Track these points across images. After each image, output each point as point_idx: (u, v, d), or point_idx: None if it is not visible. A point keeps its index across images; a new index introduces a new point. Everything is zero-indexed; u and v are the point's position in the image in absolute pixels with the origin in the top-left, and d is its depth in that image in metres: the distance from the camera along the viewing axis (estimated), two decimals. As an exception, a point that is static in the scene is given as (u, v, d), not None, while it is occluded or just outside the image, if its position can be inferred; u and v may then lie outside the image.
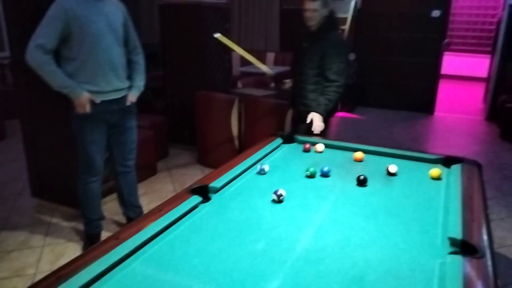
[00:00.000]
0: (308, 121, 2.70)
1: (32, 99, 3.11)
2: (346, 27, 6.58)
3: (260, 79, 6.01)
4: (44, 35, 2.25)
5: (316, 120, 2.69)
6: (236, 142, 4.14)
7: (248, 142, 3.82)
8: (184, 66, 4.59)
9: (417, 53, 6.71)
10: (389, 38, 6.88)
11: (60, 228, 2.97)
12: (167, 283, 1.12)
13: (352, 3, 6.72)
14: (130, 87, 2.64)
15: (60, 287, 1.06)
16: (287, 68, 7.14)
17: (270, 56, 7.54)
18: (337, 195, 1.73)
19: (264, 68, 3.07)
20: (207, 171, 3.91)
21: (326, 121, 2.83)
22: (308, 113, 2.77)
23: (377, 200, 1.68)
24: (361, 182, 1.80)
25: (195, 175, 3.95)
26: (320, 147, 2.25)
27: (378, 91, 7.12)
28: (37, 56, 2.24)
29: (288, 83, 3.07)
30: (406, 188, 1.80)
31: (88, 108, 2.38)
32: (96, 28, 2.33)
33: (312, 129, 2.69)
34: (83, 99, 2.35)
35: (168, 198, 1.65)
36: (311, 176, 1.88)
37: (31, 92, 3.10)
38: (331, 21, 2.85)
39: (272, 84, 5.54)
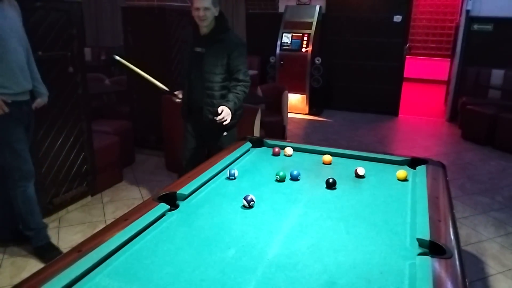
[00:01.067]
0: (219, 112, 2.45)
1: None
2: (312, 31, 6.67)
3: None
4: None
5: (225, 112, 2.48)
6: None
7: (217, 147, 3.78)
8: (149, 69, 4.47)
9: (381, 57, 6.90)
10: (353, 42, 7.03)
11: (21, 240, 2.81)
12: (133, 296, 1.07)
13: (317, 8, 6.82)
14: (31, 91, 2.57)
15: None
16: (255, 71, 7.16)
17: (238, 59, 7.52)
18: (307, 198, 1.72)
19: (160, 85, 2.72)
20: (176, 176, 3.84)
21: (232, 125, 2.69)
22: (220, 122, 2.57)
23: (346, 202, 1.68)
24: (330, 185, 1.81)
25: (162, 181, 3.86)
26: (289, 150, 2.24)
27: (344, 94, 7.25)
28: None
29: (179, 94, 2.82)
30: (374, 190, 1.81)
31: (5, 108, 2.31)
32: (2, 32, 2.25)
33: (220, 119, 2.45)
34: None
35: (135, 205, 1.59)
36: (281, 180, 1.87)
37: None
38: (225, 22, 2.65)
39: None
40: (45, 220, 2.91)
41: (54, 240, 2.76)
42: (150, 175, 4.06)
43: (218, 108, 2.48)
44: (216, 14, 2.57)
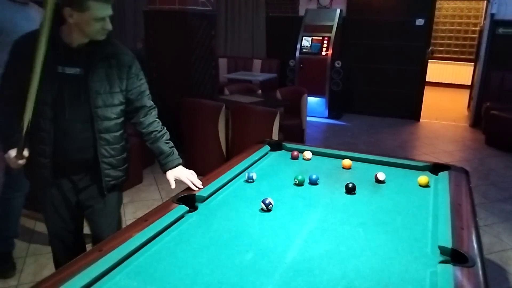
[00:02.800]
0: (173, 186, 1.87)
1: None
2: (332, 34, 6.63)
3: (247, 86, 5.99)
4: None
5: (185, 175, 1.85)
6: (223, 150, 4.11)
7: (236, 150, 3.80)
8: (170, 72, 4.54)
9: (402, 61, 6.80)
10: (374, 46, 6.96)
11: (44, 237, 2.88)
12: (152, 297, 1.08)
13: (338, 11, 6.78)
14: None
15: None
16: (274, 74, 7.17)
17: (257, 63, 7.56)
18: (326, 203, 1.71)
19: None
20: (194, 178, 3.86)
21: (123, 181, 1.92)
22: (119, 180, 1.86)
23: (366, 208, 1.66)
24: (350, 190, 1.79)
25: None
26: (308, 154, 2.23)
27: (364, 98, 7.18)
28: None
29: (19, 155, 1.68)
30: (394, 195, 1.79)
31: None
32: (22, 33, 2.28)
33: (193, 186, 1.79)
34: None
35: (154, 206, 1.60)
36: (300, 184, 1.86)
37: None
38: None
39: (259, 91, 5.53)
40: (67, 219, 2.97)
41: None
42: (169, 177, 4.09)
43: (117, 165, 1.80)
44: None
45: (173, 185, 1.86)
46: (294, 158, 2.24)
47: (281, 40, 7.45)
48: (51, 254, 2.00)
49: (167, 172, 1.89)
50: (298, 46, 6.78)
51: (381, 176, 1.92)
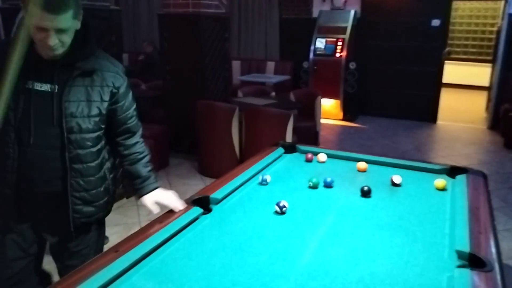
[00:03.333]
0: (155, 211, 1.65)
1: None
2: (346, 36, 6.59)
3: (260, 88, 6.00)
4: None
5: (166, 197, 1.64)
6: (237, 152, 4.12)
7: (249, 152, 3.80)
8: (184, 75, 4.58)
9: (418, 62, 6.73)
10: (389, 47, 6.90)
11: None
12: (167, 298, 1.09)
13: (352, 12, 6.74)
14: None
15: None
16: (287, 77, 7.16)
17: (270, 65, 7.56)
18: (341, 206, 1.70)
19: None
20: (208, 180, 3.89)
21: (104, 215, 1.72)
22: (93, 218, 1.61)
23: (382, 211, 1.64)
24: (365, 193, 1.77)
25: (195, 185, 3.92)
26: (322, 157, 2.22)
27: (379, 100, 7.12)
28: None
29: None
30: (411, 199, 1.76)
31: None
32: None
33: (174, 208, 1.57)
34: None
35: (168, 208, 1.62)
36: (314, 187, 1.85)
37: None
38: (91, 37, 1.50)
39: (273, 93, 5.53)
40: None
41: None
42: (183, 179, 4.13)
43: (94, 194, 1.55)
44: (78, 27, 1.41)
45: (155, 210, 1.63)
46: (308, 160, 2.23)
47: (294, 42, 7.44)
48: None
49: (144, 197, 1.66)
50: (312, 48, 6.76)
51: (397, 179, 1.90)
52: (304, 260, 1.28)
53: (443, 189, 1.84)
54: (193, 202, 1.63)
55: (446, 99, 7.65)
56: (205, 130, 4.17)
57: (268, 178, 1.92)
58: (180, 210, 1.55)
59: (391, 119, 6.91)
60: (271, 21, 7.71)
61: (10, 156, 1.41)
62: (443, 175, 2.01)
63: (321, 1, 7.19)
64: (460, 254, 1.26)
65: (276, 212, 1.60)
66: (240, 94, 5.48)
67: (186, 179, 4.12)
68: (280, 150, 2.36)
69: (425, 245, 1.38)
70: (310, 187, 1.86)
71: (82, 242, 1.63)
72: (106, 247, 1.50)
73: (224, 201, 1.71)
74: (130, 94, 1.61)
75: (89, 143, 1.49)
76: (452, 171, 2.02)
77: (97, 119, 1.49)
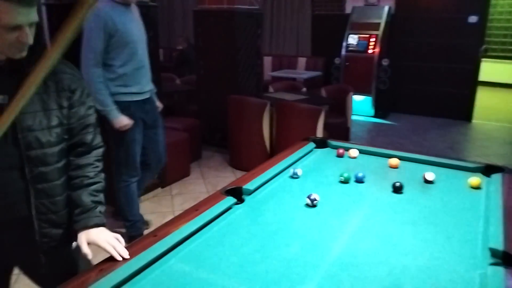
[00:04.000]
0: (90, 256, 1.31)
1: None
2: (379, 32, 6.49)
3: (291, 84, 6.01)
4: (94, 47, 2.37)
5: (104, 238, 1.30)
6: (267, 146, 4.16)
7: (279, 146, 3.84)
8: (217, 70, 4.65)
9: (454, 59, 6.54)
10: (424, 43, 6.74)
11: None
12: (203, 280, 1.14)
13: (386, 8, 6.63)
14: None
15: (102, 279, 1.10)
16: (319, 72, 7.13)
17: (302, 61, 7.55)
18: (372, 201, 1.71)
19: None
20: (238, 173, 3.96)
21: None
22: (63, 240, 1.42)
23: (414, 207, 1.64)
24: (397, 189, 1.77)
25: (226, 177, 3.99)
26: (354, 152, 2.23)
27: (412, 97, 6.97)
28: (90, 70, 2.37)
29: None
30: (444, 196, 1.75)
31: (128, 126, 2.54)
32: (133, 35, 2.45)
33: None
34: (121, 120, 2.51)
35: (200, 199, 1.67)
36: (345, 181, 1.87)
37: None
38: (42, 36, 1.35)
39: (304, 89, 5.53)
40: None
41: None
42: (215, 171, 4.21)
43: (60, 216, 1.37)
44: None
45: (88, 254, 1.29)
46: (340, 155, 2.24)
47: (326, 38, 7.38)
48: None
49: (80, 233, 1.33)
50: (344, 44, 6.70)
51: (430, 176, 1.88)
52: (335, 252, 1.31)
53: (478, 187, 1.81)
54: (226, 192, 1.68)
55: (483, 97, 7.40)
56: (237, 124, 4.23)
57: (299, 171, 1.94)
58: (215, 199, 1.60)
59: (424, 117, 6.76)
60: (303, 17, 7.68)
61: None
62: (478, 174, 1.97)
63: (354, -4, 7.10)
64: (494, 252, 1.25)
65: (307, 205, 1.63)
66: (271, 89, 5.51)
67: (217, 171, 4.20)
68: (311, 145, 2.38)
69: (458, 242, 1.37)
70: (341, 182, 1.87)
71: (53, 265, 1.41)
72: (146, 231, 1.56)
73: (256, 192, 1.75)
74: (89, 104, 1.38)
75: (53, 159, 1.30)
76: (487, 170, 1.99)
77: (58, 130, 1.28)
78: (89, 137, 1.39)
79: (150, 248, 1.24)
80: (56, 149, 1.30)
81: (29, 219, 1.31)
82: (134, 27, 2.50)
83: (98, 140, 1.43)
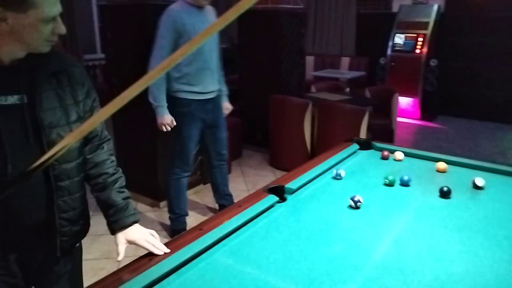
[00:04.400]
0: (121, 257, 1.35)
1: (122, 97, 3.38)
2: (428, 31, 6.28)
3: (334, 84, 5.95)
4: (162, 46, 2.53)
5: (143, 236, 1.34)
6: (308, 147, 4.14)
7: (321, 147, 3.81)
8: (259, 70, 4.69)
9: (506, 61, 6.22)
10: (475, 43, 6.45)
11: (144, 217, 3.19)
12: (247, 274, 1.17)
13: (435, 7, 6.40)
14: (219, 90, 2.85)
15: (151, 269, 1.15)
16: (362, 73, 7.00)
17: (345, 60, 7.45)
18: (418, 205, 1.67)
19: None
20: (278, 173, 3.97)
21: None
22: (79, 237, 1.41)
23: (462, 213, 1.59)
24: (445, 194, 1.72)
25: (266, 176, 4.02)
26: (399, 155, 2.18)
27: (462, 99, 6.69)
28: (155, 64, 2.53)
29: None
30: (494, 203, 1.68)
31: (168, 128, 2.64)
32: None
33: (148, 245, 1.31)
34: (165, 119, 2.62)
35: (240, 197, 1.70)
36: (390, 184, 1.83)
37: (121, 91, 3.37)
38: None
39: (347, 89, 5.46)
40: (163, 203, 3.26)
41: (168, 222, 3.06)
42: (255, 170, 4.25)
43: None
44: None
45: (121, 255, 1.32)
46: (384, 158, 2.20)
47: (371, 38, 7.23)
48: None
49: (118, 234, 1.35)
50: (390, 43, 6.54)
51: (480, 181, 1.81)
52: (379, 254, 1.30)
53: (532, 195, 1.73)
54: (269, 190, 1.70)
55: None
56: (278, 123, 4.24)
57: (343, 172, 1.93)
58: (257, 197, 1.62)
59: (475, 121, 6.47)
60: (348, 16, 7.57)
61: None
62: (533, 181, 1.88)
63: (402, -5, 6.91)
64: (549, 263, 1.20)
65: (351, 206, 1.62)
66: (313, 89, 5.47)
67: (257, 170, 4.24)
68: (355, 146, 2.35)
69: (509, 250, 1.32)
70: (386, 184, 1.84)
71: (69, 263, 1.41)
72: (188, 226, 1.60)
73: (298, 191, 1.76)
74: (95, 96, 1.35)
75: (74, 155, 1.28)
76: (544, 177, 1.89)
77: (77, 124, 1.25)
78: (99, 129, 1.37)
79: (196, 240, 1.29)
80: (77, 144, 1.28)
81: (51, 219, 1.27)
82: (204, 28, 2.58)
83: (106, 132, 1.42)
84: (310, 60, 7.54)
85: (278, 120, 4.24)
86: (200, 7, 2.63)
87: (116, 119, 3.47)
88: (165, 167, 3.31)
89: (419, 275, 1.19)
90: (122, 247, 1.32)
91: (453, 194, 1.73)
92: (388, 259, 1.27)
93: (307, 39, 7.58)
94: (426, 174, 2.00)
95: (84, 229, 1.42)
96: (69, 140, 0.93)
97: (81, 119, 1.26)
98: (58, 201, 1.26)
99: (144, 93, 2.71)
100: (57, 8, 1.10)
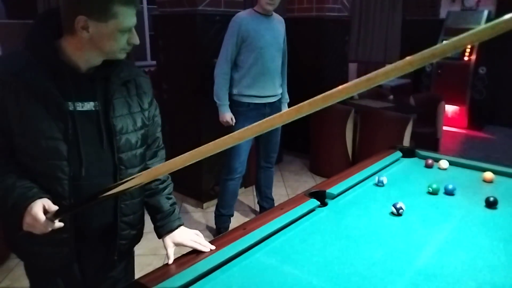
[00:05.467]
0: (171, 259, 1.30)
1: (171, 102, 3.53)
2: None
3: (377, 91, 5.86)
4: (226, 49, 2.72)
5: (189, 237, 1.38)
6: (350, 153, 4.12)
7: (362, 154, 3.78)
8: (302, 76, 4.71)
9: None
10: (530, 50, 6.14)
11: (189, 217, 3.31)
12: (288, 275, 1.21)
13: (485, 13, 6.17)
14: (280, 96, 2.98)
15: (195, 265, 1.22)
16: (407, 80, 6.85)
17: (389, 68, 7.30)
18: (462, 214, 1.64)
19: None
20: (318, 179, 3.98)
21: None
22: (135, 242, 1.48)
23: (508, 224, 1.55)
24: (491, 204, 1.68)
25: (306, 181, 4.03)
26: (444, 163, 2.14)
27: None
28: (220, 65, 2.74)
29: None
30: (545, 215, 1.62)
31: (228, 124, 2.80)
32: (263, 41, 2.69)
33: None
34: (225, 116, 2.79)
35: (280, 201, 1.73)
36: (434, 192, 1.81)
37: (171, 96, 3.52)
38: None
39: (391, 96, 5.37)
40: (206, 204, 3.36)
41: (211, 223, 3.15)
42: (295, 175, 4.28)
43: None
44: None
45: (171, 258, 1.30)
46: (429, 166, 2.17)
47: (417, 45, 6.98)
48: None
49: (165, 238, 1.40)
50: (437, 50, 6.35)
51: (530, 193, 1.75)
52: (421, 262, 1.29)
53: None
54: (310, 194, 1.73)
55: None
56: (319, 130, 4.25)
57: (385, 179, 1.93)
58: (299, 200, 1.66)
59: (526, 131, 6.16)
60: (394, 22, 7.44)
61: (65, 196, 1.20)
62: None
63: (450, 1, 6.72)
64: None
65: (392, 213, 1.62)
66: (356, 96, 5.43)
67: (297, 176, 4.27)
68: (398, 153, 2.33)
69: (560, 265, 1.28)
70: (429, 193, 1.82)
71: (124, 270, 1.48)
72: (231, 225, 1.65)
73: (340, 197, 1.78)
74: (156, 104, 1.42)
75: (138, 160, 1.33)
76: None
77: (142, 131, 1.32)
78: (160, 136, 1.44)
79: (239, 239, 1.34)
80: (140, 150, 1.33)
81: (114, 223, 1.33)
82: (268, 34, 2.76)
83: (161, 141, 1.47)
84: (353, 67, 7.46)
85: (319, 126, 4.25)
86: (267, 16, 2.76)
87: (165, 120, 3.61)
88: (209, 169, 3.42)
89: (462, 285, 1.18)
90: (170, 250, 1.36)
91: (499, 205, 1.68)
92: (431, 266, 1.27)
93: (350, 45, 7.54)
94: (472, 184, 1.96)
95: (140, 233, 1.48)
96: (143, 179, 1.05)
97: (145, 126, 1.34)
98: (121, 205, 1.32)
99: (190, 97, 2.82)
100: (134, 20, 1.17)
